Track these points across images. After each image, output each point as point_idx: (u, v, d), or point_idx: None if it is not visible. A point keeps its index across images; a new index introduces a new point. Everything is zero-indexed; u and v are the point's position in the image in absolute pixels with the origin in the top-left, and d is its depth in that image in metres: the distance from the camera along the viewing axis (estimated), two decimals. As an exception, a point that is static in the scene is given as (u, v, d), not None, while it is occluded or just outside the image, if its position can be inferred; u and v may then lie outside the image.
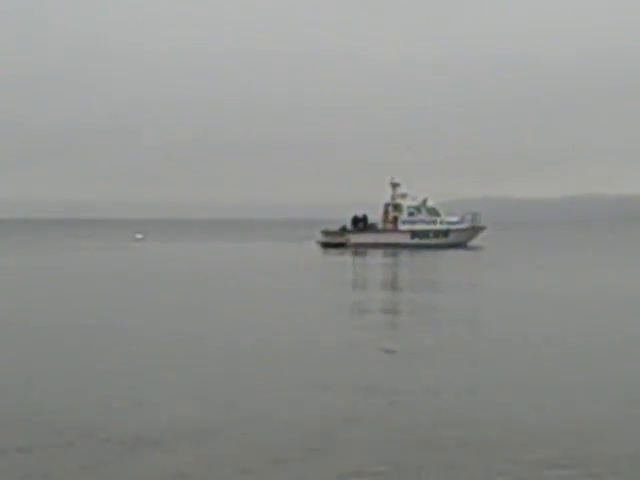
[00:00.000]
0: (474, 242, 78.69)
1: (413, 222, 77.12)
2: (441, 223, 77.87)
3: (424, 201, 78.24)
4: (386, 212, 78.08)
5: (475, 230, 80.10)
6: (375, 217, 78.11)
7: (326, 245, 74.37)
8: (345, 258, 60.67)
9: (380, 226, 77.44)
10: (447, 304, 28.70)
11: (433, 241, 76.52)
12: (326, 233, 77.24)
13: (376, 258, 60.07)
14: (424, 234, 76.88)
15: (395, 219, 77.46)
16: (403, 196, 78.25)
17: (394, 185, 78.22)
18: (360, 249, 70.54)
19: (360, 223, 76.75)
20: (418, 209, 77.50)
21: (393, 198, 78.08)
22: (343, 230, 76.32)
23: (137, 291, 33.88)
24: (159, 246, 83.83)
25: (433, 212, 78.01)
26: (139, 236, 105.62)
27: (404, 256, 62.76)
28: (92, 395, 13.75)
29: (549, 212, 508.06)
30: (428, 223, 77.32)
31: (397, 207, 77.56)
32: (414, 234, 76.62)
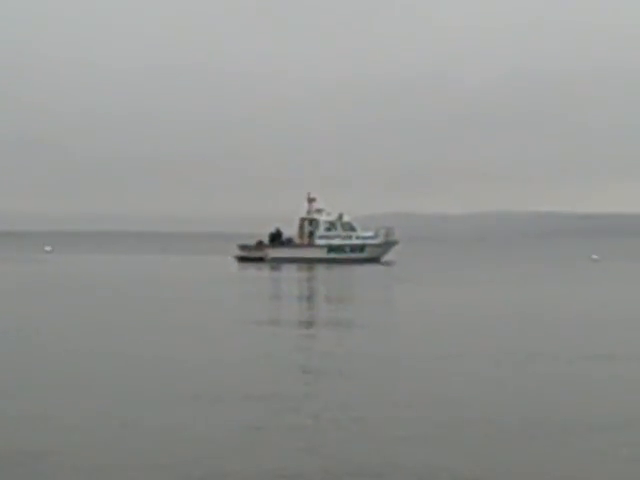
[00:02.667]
0: (387, 256, 79.97)
1: (329, 237, 77.96)
2: (357, 238, 78.91)
3: (340, 216, 79.08)
4: (302, 227, 78.71)
5: (389, 245, 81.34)
6: (290, 232, 78.68)
7: (243, 259, 74.68)
8: (263, 272, 61.33)
9: (296, 241, 78.07)
10: (367, 319, 29.53)
11: (349, 256, 77.48)
12: (243, 247, 77.55)
13: (295, 272, 60.88)
14: (340, 249, 77.78)
15: (311, 234, 78.13)
16: (319, 211, 78.99)
17: (310, 200, 78.93)
18: (277, 263, 71.14)
19: (278, 238, 77.25)
20: (334, 224, 78.40)
21: (309, 213, 78.79)
22: (260, 244, 76.67)
23: (39, 302, 34.10)
24: (68, 258, 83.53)
25: (348, 227, 78.97)
26: (48, 248, 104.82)
27: (321, 270, 63.69)
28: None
29: (453, 228, 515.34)
30: (344, 238, 78.24)
31: (313, 222, 78.30)
32: (330, 249, 77.46)
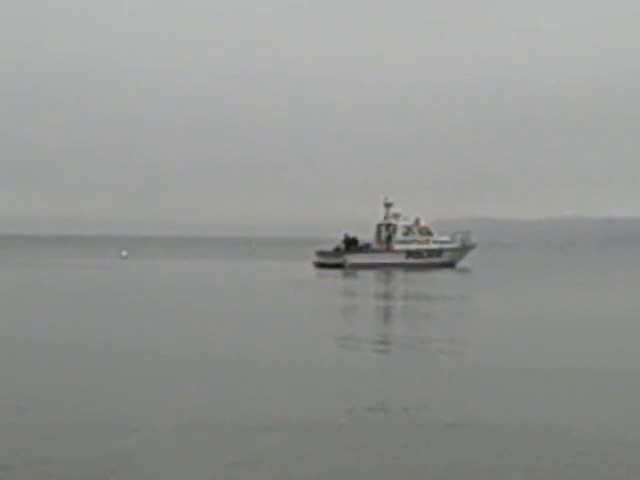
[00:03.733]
0: (462, 262, 79.65)
1: (407, 242, 77.88)
2: (434, 242, 78.77)
3: (417, 221, 79.00)
4: (379, 232, 78.73)
5: (466, 249, 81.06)
6: (362, 237, 78.56)
7: (322, 265, 74.43)
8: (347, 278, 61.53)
9: (374, 246, 78.01)
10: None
11: (427, 260, 77.30)
12: (322, 254, 77.61)
13: (386, 278, 60.98)
14: (418, 254, 77.67)
15: (388, 239, 78.08)
16: (396, 216, 78.99)
17: (387, 205, 78.91)
18: (357, 269, 70.86)
19: (354, 243, 77.13)
20: (411, 229, 78.34)
21: (386, 218, 78.82)
22: (338, 250, 76.55)
23: (144, 308, 34.70)
24: (144, 263, 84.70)
25: (425, 232, 78.87)
26: (124, 253, 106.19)
27: (401, 276, 63.68)
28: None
29: (526, 233, 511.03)
30: (422, 243, 78.15)
31: (391, 227, 78.27)
32: (409, 254, 77.37)
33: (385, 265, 73.87)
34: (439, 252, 78.49)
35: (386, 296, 44.21)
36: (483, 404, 14.92)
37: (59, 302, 36.56)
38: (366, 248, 77.30)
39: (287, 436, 12.33)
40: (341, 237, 77.37)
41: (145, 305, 35.68)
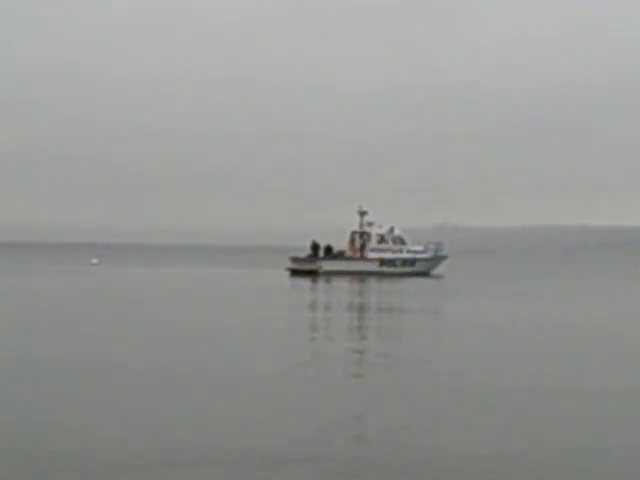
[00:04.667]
0: (436, 270, 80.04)
1: (381, 250, 78.20)
2: (408, 252, 79.10)
3: (391, 229, 79.39)
4: (353, 240, 79.02)
5: (438, 259, 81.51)
6: (335, 245, 78.53)
7: (295, 272, 74.67)
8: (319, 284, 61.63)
9: (348, 254, 78.25)
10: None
11: (400, 269, 77.62)
12: (295, 260, 77.70)
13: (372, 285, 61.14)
14: (392, 262, 77.99)
15: (362, 247, 78.38)
16: (370, 224, 79.35)
17: (361, 213, 79.28)
18: (330, 276, 71.11)
19: (330, 251, 77.40)
20: (385, 238, 78.68)
21: (361, 226, 79.12)
22: (312, 257, 76.74)
23: (118, 314, 34.62)
24: (114, 270, 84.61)
25: (399, 241, 79.22)
26: (94, 261, 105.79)
27: (377, 284, 63.86)
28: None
29: (499, 241, 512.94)
30: (395, 252, 78.48)
31: (365, 235, 78.56)
32: (382, 262, 77.68)
33: (358, 273, 74.18)
34: (412, 262, 78.85)
35: (361, 308, 44.34)
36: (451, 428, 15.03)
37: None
38: (340, 256, 77.65)
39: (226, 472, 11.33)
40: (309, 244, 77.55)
41: (95, 314, 35.15)
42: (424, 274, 78.04)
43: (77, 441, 12.76)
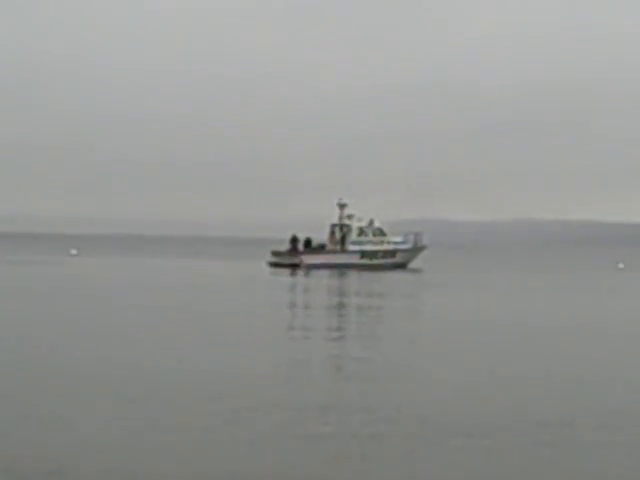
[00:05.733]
0: (414, 262, 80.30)
1: (362, 243, 78.30)
2: (388, 243, 79.27)
3: (371, 222, 79.46)
4: (333, 233, 79.02)
5: (418, 250, 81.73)
6: (317, 237, 78.61)
7: (277, 265, 74.43)
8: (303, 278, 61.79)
9: (328, 247, 78.24)
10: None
11: (381, 261, 77.77)
12: (277, 254, 77.66)
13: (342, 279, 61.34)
14: (373, 255, 78.13)
15: (343, 239, 78.38)
16: (350, 217, 79.34)
17: (341, 206, 79.19)
18: (312, 270, 70.89)
19: (310, 244, 77.32)
20: (365, 230, 78.78)
21: (340, 218, 79.14)
22: (293, 251, 76.57)
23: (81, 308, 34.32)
24: (93, 261, 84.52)
25: (379, 233, 79.34)
26: (73, 252, 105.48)
27: (355, 277, 64.08)
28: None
29: (478, 235, 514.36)
30: (375, 243, 78.63)
31: (345, 228, 78.55)
32: (363, 254, 77.79)
33: (340, 266, 74.07)
34: (393, 253, 79.04)
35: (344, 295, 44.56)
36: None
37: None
38: (321, 249, 77.65)
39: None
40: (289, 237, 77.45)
41: (73, 306, 35.12)
42: (403, 266, 78.26)
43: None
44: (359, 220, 79.17)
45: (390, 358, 21.31)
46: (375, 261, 77.55)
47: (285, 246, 77.46)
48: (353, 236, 78.25)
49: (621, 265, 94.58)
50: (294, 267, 72.50)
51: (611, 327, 30.31)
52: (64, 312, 32.06)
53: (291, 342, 24.54)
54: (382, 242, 78.93)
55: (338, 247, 78.02)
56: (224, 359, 20.42)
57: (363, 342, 24.78)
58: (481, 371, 19.19)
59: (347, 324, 31.27)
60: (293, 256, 75.35)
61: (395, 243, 79.73)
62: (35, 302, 36.23)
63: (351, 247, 77.94)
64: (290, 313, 35.42)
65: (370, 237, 78.59)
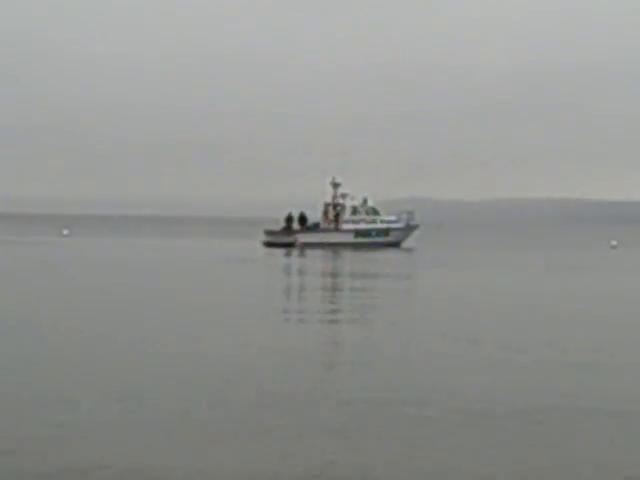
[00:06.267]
0: (407, 241, 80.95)
1: (355, 221, 78.91)
2: (381, 222, 79.87)
3: (364, 201, 79.97)
4: (326, 212, 79.52)
5: (410, 229, 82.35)
6: (308, 216, 78.97)
7: (271, 245, 74.90)
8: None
9: (322, 225, 78.77)
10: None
11: (374, 240, 78.36)
12: (270, 233, 78.18)
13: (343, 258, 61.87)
14: (367, 233, 78.74)
15: (336, 218, 78.87)
16: (344, 196, 79.83)
17: (335, 185, 79.66)
18: (306, 248, 71.42)
19: (305, 221, 77.83)
20: (358, 209, 79.31)
21: (334, 198, 79.60)
22: (287, 230, 77.06)
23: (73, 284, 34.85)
24: (87, 241, 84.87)
25: (373, 211, 79.88)
26: (65, 232, 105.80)
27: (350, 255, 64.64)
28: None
29: (468, 214, 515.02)
30: (369, 222, 79.23)
31: (339, 207, 79.05)
32: (357, 233, 78.40)
33: (334, 244, 74.73)
34: (386, 232, 79.64)
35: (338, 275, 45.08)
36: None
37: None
38: (315, 227, 78.19)
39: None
40: (284, 215, 77.81)
41: (65, 283, 35.66)
42: (396, 245, 78.94)
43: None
44: (352, 199, 79.69)
45: (389, 341, 21.12)
46: (368, 239, 78.16)
47: (279, 226, 77.95)
48: (347, 215, 78.82)
49: (614, 242, 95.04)
50: (289, 246, 72.92)
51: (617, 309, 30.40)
52: (41, 293, 31.85)
53: (286, 326, 24.44)
54: (375, 221, 79.52)
55: (332, 226, 78.54)
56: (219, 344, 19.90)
57: (361, 326, 24.46)
58: (480, 351, 19.80)
59: (342, 305, 31.74)
60: (288, 235, 75.75)
61: (388, 222, 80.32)
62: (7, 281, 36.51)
63: (345, 226, 78.50)
64: (285, 296, 35.91)
65: (363, 216, 79.13)
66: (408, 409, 12.97)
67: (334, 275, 45.30)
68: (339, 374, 16.37)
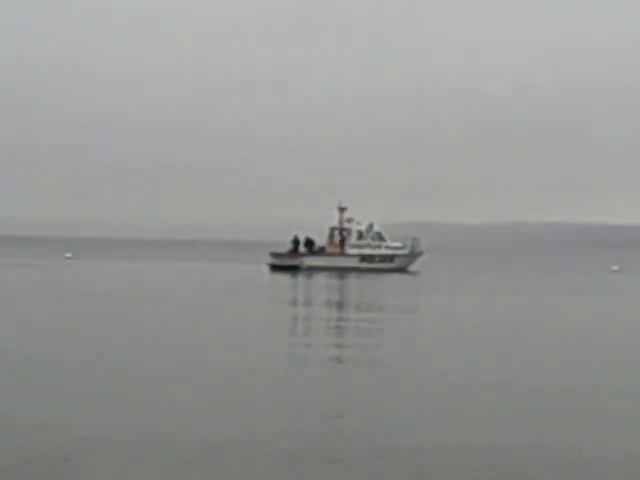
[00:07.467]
0: (413, 266, 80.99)
1: (360, 246, 79.14)
2: (386, 248, 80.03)
3: (370, 226, 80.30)
4: (332, 236, 79.87)
5: (415, 255, 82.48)
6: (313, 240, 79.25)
7: (277, 268, 75.26)
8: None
9: (328, 249, 79.08)
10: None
11: (379, 265, 78.55)
12: (276, 255, 78.39)
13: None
14: (371, 258, 78.93)
15: (342, 242, 79.22)
16: (349, 220, 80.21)
17: (341, 209, 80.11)
18: (312, 272, 71.53)
19: (312, 245, 78.20)
20: (364, 234, 79.57)
21: (340, 222, 79.96)
22: (293, 252, 77.41)
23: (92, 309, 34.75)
24: (90, 265, 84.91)
25: (378, 237, 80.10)
26: (68, 255, 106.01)
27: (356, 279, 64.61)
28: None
29: (470, 238, 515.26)
30: (374, 248, 79.42)
31: (345, 231, 79.40)
32: (362, 258, 78.60)
33: (339, 269, 75.02)
34: (391, 258, 79.78)
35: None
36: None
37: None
38: (321, 251, 78.54)
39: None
40: (289, 239, 78.16)
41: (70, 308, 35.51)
42: (402, 270, 79.08)
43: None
44: (358, 224, 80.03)
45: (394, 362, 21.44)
46: (373, 265, 78.33)
47: (285, 248, 78.26)
48: (352, 239, 79.10)
49: (615, 267, 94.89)
50: (294, 269, 73.12)
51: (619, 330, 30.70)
52: (49, 314, 32.19)
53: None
54: (380, 246, 79.70)
55: (337, 250, 78.84)
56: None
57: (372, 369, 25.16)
58: (481, 370, 19.87)
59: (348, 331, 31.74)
60: (294, 258, 76.09)
61: (394, 248, 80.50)
62: (18, 303, 36.60)
63: (350, 250, 78.78)
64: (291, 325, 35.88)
65: (369, 241, 79.38)
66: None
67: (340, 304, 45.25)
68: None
